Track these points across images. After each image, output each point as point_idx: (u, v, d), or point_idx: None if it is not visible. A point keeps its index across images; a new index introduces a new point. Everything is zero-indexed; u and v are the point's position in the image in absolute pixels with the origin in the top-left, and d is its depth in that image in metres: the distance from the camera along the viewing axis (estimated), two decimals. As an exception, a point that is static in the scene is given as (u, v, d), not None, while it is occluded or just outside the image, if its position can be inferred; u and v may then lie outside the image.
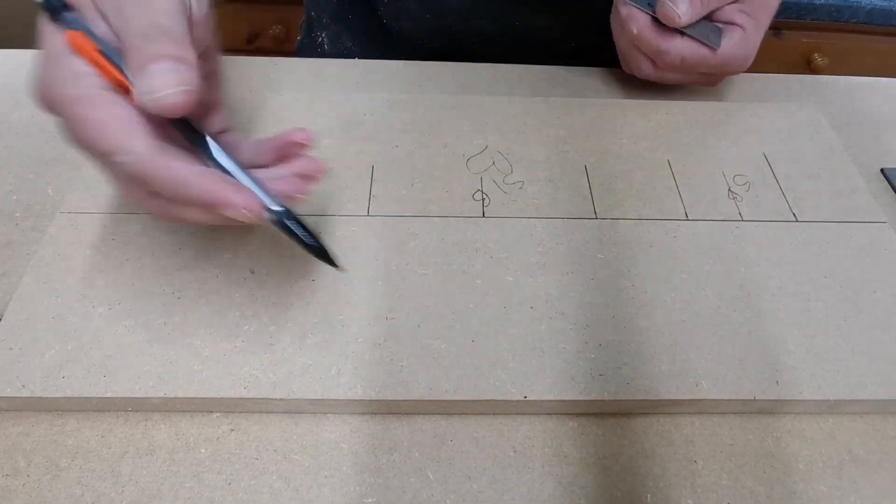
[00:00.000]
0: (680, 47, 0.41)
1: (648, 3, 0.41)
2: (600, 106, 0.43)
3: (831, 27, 0.97)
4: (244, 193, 0.26)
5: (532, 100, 0.43)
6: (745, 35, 0.42)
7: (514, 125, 0.41)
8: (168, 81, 0.25)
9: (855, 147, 0.44)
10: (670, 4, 0.40)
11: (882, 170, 0.43)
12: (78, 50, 0.25)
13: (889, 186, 0.41)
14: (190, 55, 0.26)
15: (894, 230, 0.37)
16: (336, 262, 0.30)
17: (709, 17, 0.42)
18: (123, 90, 0.25)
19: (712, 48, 0.41)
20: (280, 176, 0.29)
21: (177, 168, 0.25)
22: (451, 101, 0.43)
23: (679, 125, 0.42)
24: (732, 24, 0.42)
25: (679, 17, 0.40)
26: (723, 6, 0.42)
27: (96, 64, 0.25)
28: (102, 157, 0.25)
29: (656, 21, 0.41)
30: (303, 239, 0.28)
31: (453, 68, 0.49)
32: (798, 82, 0.50)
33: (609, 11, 0.45)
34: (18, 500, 0.26)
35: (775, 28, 0.99)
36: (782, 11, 0.94)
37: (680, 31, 0.41)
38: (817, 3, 0.93)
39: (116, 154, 0.24)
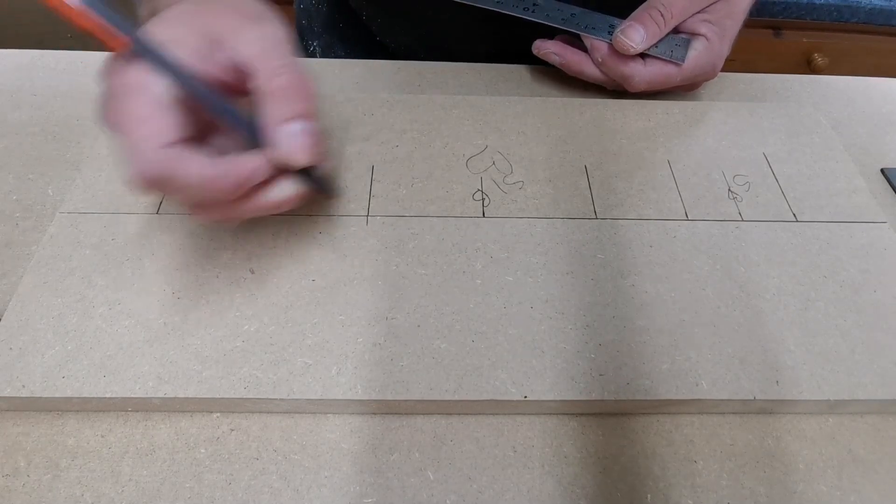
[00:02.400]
0: (643, 72, 0.42)
1: (608, 32, 0.42)
2: (600, 106, 0.43)
3: (831, 27, 0.97)
4: (259, 158, 0.27)
5: (532, 100, 0.43)
6: (709, 45, 0.42)
7: (514, 125, 0.41)
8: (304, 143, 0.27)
9: (855, 147, 0.44)
10: (622, 37, 0.40)
11: (882, 170, 0.43)
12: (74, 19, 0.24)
13: (889, 186, 0.41)
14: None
15: (894, 230, 0.37)
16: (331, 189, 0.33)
17: (673, 30, 0.42)
18: (98, 37, 0.25)
19: (677, 63, 0.42)
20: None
21: (196, 163, 0.26)
22: (451, 101, 0.43)
23: (679, 125, 0.42)
24: (697, 34, 0.43)
25: (633, 46, 0.40)
26: (686, 19, 0.42)
27: (61, 10, 0.24)
28: (128, 149, 0.25)
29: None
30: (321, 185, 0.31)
31: (453, 68, 0.49)
32: (798, 82, 0.50)
33: None
34: (18, 500, 0.26)
35: (775, 28, 0.99)
36: (782, 11, 0.95)
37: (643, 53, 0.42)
38: (817, 2, 0.93)
39: (137, 148, 0.25)
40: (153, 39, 0.26)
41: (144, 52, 0.25)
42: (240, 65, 0.27)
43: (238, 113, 0.28)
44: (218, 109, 0.27)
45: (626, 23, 0.41)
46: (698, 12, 0.43)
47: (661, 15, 0.41)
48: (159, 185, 0.26)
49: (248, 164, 0.27)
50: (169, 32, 0.27)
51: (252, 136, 0.28)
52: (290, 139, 0.27)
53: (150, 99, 0.25)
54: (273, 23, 0.29)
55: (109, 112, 0.26)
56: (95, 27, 0.24)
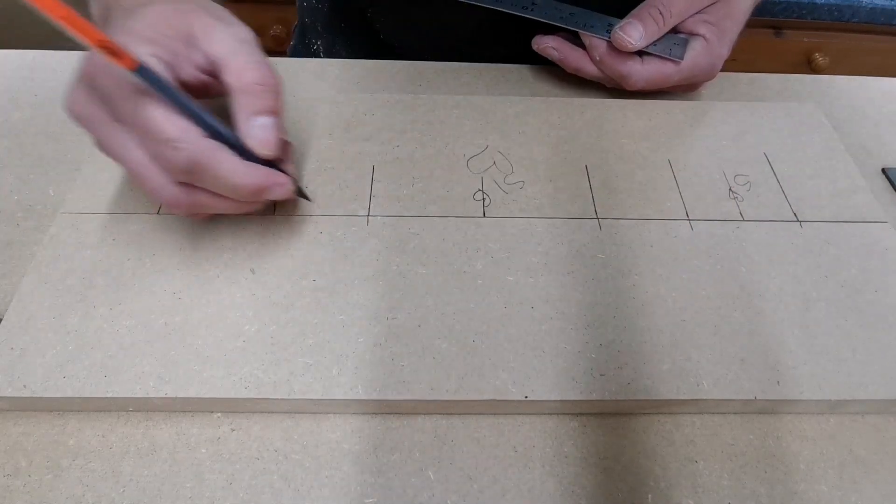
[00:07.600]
0: (641, 71, 0.42)
1: (606, 31, 0.42)
2: (600, 106, 0.43)
3: (832, 27, 0.97)
4: (281, 174, 0.30)
5: (532, 100, 0.43)
6: (707, 45, 0.42)
7: (514, 125, 0.41)
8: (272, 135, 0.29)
9: (856, 147, 0.44)
10: (621, 33, 0.41)
11: (883, 169, 0.43)
12: (47, 10, 0.24)
13: (890, 186, 0.41)
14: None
15: (895, 230, 0.37)
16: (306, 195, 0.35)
17: (672, 30, 0.42)
18: (106, 51, 0.25)
19: (675, 61, 0.42)
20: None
21: (229, 159, 0.28)
22: (452, 101, 0.43)
23: (679, 125, 0.42)
24: (695, 34, 0.43)
25: (631, 43, 0.41)
26: (685, 19, 0.43)
27: (70, 23, 0.24)
28: (162, 143, 0.27)
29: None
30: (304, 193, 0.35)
31: (454, 68, 0.49)
32: (799, 82, 0.50)
33: None
34: (19, 500, 0.26)
35: (776, 27, 0.99)
36: (782, 11, 0.95)
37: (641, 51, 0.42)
38: (818, 2, 0.93)
39: (180, 141, 0.27)
40: (152, 63, 0.27)
41: (149, 77, 0.27)
42: (212, 62, 0.29)
43: (227, 131, 0.29)
44: (210, 127, 0.28)
45: (626, 20, 0.41)
46: (697, 13, 0.43)
47: (661, 13, 0.41)
48: (198, 172, 0.27)
49: (275, 177, 0.30)
50: (148, 31, 0.28)
51: (240, 152, 0.29)
52: (258, 132, 0.29)
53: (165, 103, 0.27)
54: (240, 24, 0.31)
55: (118, 106, 0.27)
56: (106, 43, 0.25)
